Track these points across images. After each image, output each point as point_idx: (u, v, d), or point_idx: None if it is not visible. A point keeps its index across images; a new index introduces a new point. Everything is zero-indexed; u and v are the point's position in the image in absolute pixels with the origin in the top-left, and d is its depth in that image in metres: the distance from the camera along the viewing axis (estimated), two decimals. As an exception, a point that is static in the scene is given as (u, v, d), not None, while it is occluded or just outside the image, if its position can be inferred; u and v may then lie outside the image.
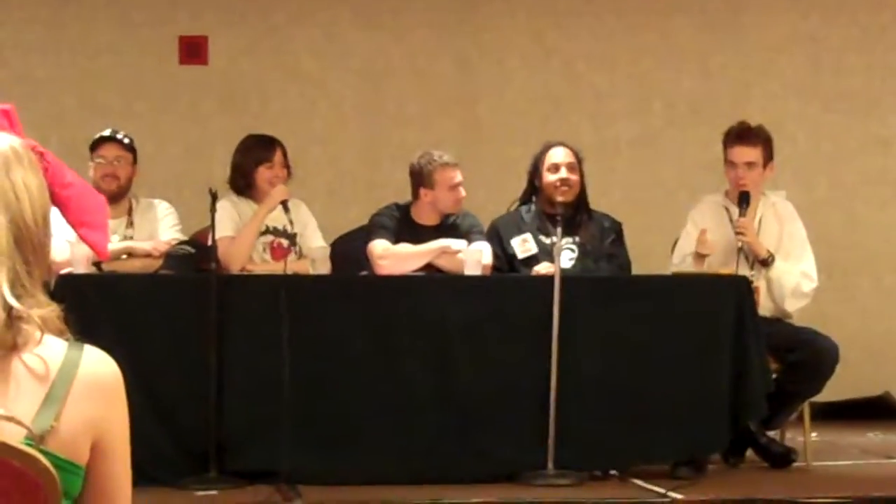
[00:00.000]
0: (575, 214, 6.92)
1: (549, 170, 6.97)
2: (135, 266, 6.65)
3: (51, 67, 9.05)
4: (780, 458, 6.76)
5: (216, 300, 6.09)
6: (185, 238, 6.83)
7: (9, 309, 1.99)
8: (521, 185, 7.12)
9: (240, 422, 6.13)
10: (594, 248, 6.93)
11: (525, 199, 7.09)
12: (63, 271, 6.09)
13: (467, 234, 6.85)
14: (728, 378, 6.40)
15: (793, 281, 6.88)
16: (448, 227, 6.88)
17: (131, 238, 6.82)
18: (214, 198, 6.40)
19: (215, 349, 6.08)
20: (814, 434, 7.16)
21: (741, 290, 6.53)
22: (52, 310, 2.04)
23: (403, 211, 6.94)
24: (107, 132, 6.98)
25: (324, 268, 6.76)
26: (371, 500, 5.84)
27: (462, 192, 6.88)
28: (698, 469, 6.45)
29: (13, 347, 2.00)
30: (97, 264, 6.35)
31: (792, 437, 7.05)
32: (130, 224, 6.88)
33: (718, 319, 6.45)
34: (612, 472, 6.44)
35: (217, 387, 6.08)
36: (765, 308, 6.77)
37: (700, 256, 6.82)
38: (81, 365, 2.03)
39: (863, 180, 9.43)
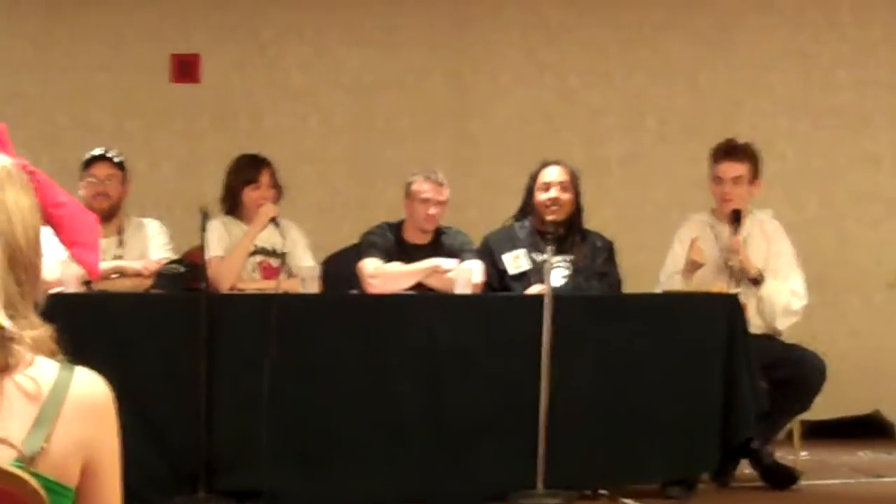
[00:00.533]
0: (568, 233, 6.92)
1: (540, 188, 6.98)
2: (125, 285, 6.64)
3: (42, 85, 9.02)
4: (785, 479, 6.70)
5: (206, 319, 6.09)
6: (175, 257, 6.82)
7: (1, 330, 1.98)
8: (513, 201, 7.11)
9: (230, 441, 6.11)
10: (586, 267, 6.93)
11: (521, 215, 7.09)
12: (53, 290, 6.08)
13: (458, 253, 6.84)
14: (719, 397, 6.41)
15: (783, 299, 6.90)
16: (439, 246, 6.88)
17: (122, 257, 6.81)
18: (205, 217, 6.40)
19: (205, 368, 6.07)
20: (804, 453, 7.16)
21: (732, 308, 6.53)
22: (44, 331, 2.04)
23: (395, 230, 6.94)
24: (98, 151, 6.98)
25: (313, 287, 6.74)
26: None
27: (432, 209, 6.82)
28: (688, 488, 6.45)
29: (5, 368, 1.99)
30: (87, 283, 6.34)
31: (782, 456, 7.02)
32: (121, 243, 6.87)
33: (709, 338, 6.46)
34: (602, 491, 6.44)
35: (207, 406, 6.07)
36: (754, 325, 6.77)
37: (691, 268, 6.81)
38: (72, 386, 2.02)
39: (853, 197, 9.41)
